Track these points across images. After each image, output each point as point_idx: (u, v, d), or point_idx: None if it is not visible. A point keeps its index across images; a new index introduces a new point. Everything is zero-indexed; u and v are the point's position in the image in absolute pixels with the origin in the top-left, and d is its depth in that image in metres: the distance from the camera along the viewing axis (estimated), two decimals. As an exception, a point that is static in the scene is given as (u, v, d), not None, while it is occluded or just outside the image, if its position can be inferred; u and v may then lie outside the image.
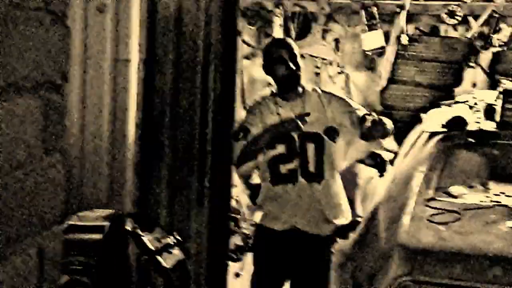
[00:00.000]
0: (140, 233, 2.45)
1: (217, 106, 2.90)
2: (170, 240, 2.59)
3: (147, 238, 2.46)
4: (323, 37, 7.45)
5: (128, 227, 2.39)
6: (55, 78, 1.26)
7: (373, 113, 3.42)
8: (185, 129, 2.89)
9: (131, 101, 2.77)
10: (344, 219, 3.41)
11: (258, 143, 3.26)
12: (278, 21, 7.47)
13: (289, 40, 3.53)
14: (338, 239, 3.89)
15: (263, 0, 7.48)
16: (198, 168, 2.94)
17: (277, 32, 7.43)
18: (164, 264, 2.43)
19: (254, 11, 7.42)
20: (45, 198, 1.24)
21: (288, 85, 3.35)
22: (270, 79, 3.41)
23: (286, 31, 7.51)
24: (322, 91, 3.49)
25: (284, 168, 3.34)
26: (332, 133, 3.39)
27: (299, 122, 3.20)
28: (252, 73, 7.53)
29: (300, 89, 3.39)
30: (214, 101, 2.89)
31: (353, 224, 4.37)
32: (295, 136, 3.30)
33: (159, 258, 2.45)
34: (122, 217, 2.46)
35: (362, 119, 3.31)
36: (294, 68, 3.30)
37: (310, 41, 7.48)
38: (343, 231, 4.74)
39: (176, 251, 2.64)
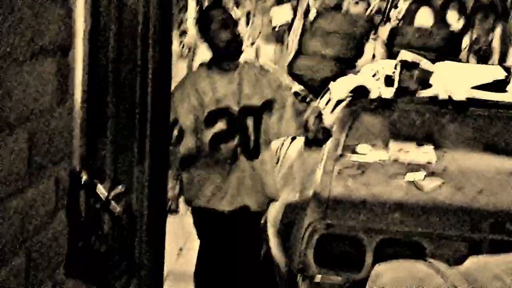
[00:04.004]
0: (96, 182, 2.73)
1: (156, 72, 3.21)
2: (118, 190, 2.86)
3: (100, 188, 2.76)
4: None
5: (84, 178, 2.68)
6: (65, 44, 1.60)
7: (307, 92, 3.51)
8: (127, 94, 3.14)
9: (78, 69, 3.02)
10: (276, 194, 3.50)
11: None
12: (192, -5, 7.79)
13: (229, 7, 3.54)
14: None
15: (177, -25, 7.77)
16: (139, 129, 3.22)
17: (191, 6, 7.73)
18: (117, 209, 2.72)
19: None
20: (59, 139, 1.58)
21: (231, 52, 3.25)
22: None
23: (200, 5, 7.82)
24: (255, 64, 3.59)
25: (225, 147, 3.25)
26: (269, 107, 3.34)
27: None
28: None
29: (237, 60, 3.31)
30: (153, 69, 3.20)
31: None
32: (235, 110, 3.24)
33: (113, 204, 2.73)
34: (76, 171, 2.75)
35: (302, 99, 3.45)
36: (238, 33, 3.28)
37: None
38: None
39: (123, 201, 2.92)
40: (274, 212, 4.19)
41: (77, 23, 2.96)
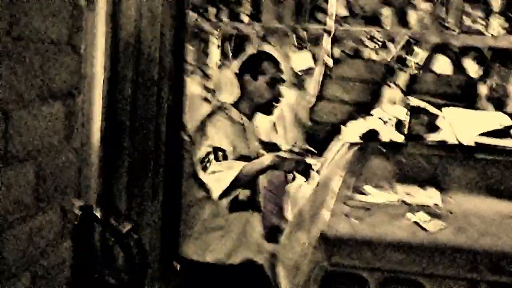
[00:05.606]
0: (110, 219, 2.90)
1: (170, 115, 3.40)
2: (128, 226, 3.02)
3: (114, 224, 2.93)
4: (257, 57, 8.00)
5: (98, 214, 2.85)
6: (72, 89, 1.80)
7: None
8: (141, 135, 3.32)
9: (96, 112, 3.23)
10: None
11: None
12: (215, 41, 8.02)
13: (280, 61, 3.35)
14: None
15: (201, 23, 8.03)
16: (153, 168, 3.39)
17: (215, 52, 7.98)
18: (131, 244, 2.87)
19: (193, 32, 7.96)
20: (66, 173, 1.77)
21: (266, 107, 3.25)
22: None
23: (223, 51, 8.07)
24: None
25: (243, 194, 3.23)
26: None
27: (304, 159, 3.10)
28: (191, 89, 8.02)
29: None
30: (167, 111, 3.38)
31: (282, 228, 4.93)
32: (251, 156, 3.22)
33: (125, 239, 2.88)
34: (91, 207, 2.92)
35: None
36: (281, 94, 3.23)
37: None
38: (274, 236, 5.27)
39: (135, 236, 3.08)
40: (284, 250, 4.32)
41: (97, 69, 3.19)
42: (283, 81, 3.29)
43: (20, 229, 1.53)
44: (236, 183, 3.04)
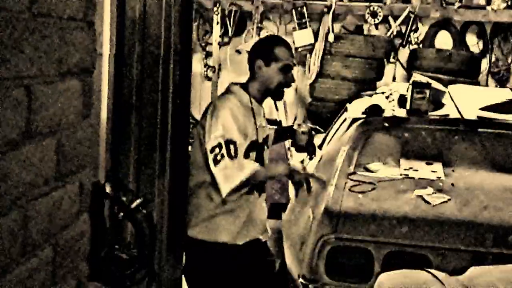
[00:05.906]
0: (120, 194, 2.94)
1: (176, 93, 3.43)
2: (138, 202, 3.06)
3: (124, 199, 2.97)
4: (258, 34, 8.02)
5: (108, 190, 2.89)
6: (88, 66, 1.82)
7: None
8: (149, 112, 3.35)
9: (104, 89, 3.25)
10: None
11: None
12: (216, 18, 8.02)
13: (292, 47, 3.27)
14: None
15: (202, 0, 8.03)
16: (160, 145, 3.43)
17: (216, 29, 7.99)
18: (140, 219, 2.91)
19: (194, 9, 7.95)
20: (84, 149, 1.80)
21: (277, 91, 3.25)
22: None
23: (224, 28, 8.07)
24: None
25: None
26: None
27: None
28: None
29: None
30: (173, 89, 3.41)
31: (285, 205, 4.98)
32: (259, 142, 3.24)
33: (134, 214, 2.93)
34: (100, 183, 2.96)
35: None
36: (293, 78, 3.24)
37: (246, 38, 8.05)
38: (277, 212, 5.32)
39: (144, 211, 3.12)
40: (289, 225, 4.37)
41: (104, 47, 3.21)
42: (295, 65, 3.31)
43: (42, 202, 1.57)
44: (245, 184, 3.13)
